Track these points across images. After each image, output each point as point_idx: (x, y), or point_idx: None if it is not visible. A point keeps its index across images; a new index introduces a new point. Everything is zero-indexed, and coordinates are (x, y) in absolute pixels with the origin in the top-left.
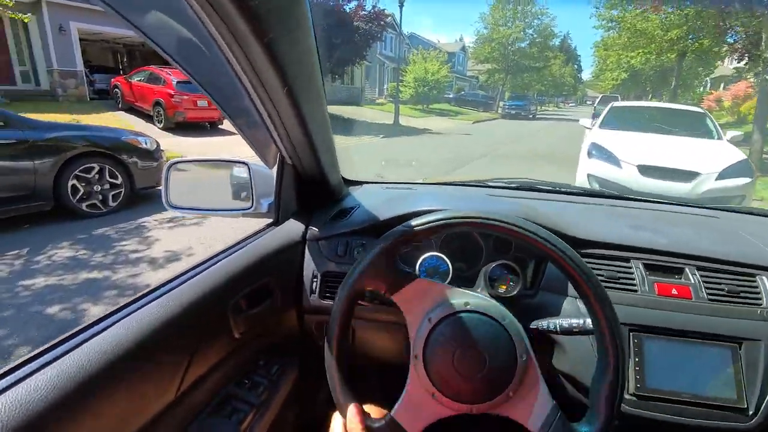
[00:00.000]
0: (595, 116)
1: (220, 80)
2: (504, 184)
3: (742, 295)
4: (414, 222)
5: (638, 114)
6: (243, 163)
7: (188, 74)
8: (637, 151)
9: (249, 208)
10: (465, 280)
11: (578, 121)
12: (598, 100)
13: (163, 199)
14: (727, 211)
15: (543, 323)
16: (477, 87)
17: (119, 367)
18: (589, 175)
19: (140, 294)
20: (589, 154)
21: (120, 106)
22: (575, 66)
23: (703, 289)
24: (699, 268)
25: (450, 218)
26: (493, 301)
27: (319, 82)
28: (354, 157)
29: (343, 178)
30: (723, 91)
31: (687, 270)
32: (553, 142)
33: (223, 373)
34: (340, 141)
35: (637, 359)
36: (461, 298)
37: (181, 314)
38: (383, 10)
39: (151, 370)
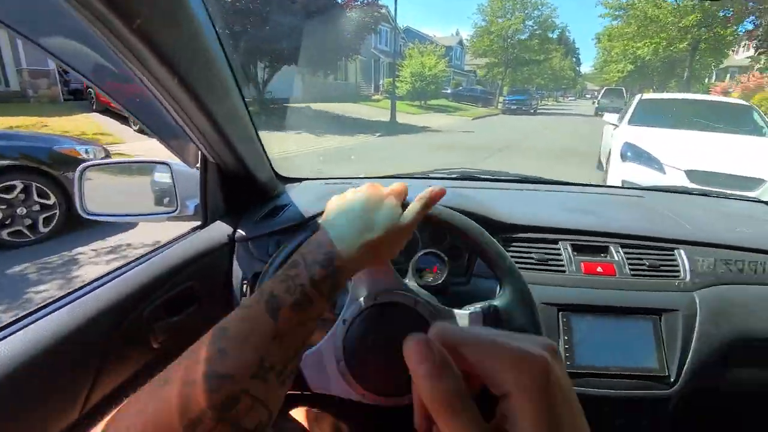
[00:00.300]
0: (599, 110)
1: (117, 78)
2: (444, 175)
3: (661, 268)
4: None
5: (673, 108)
6: (164, 163)
7: (76, 71)
8: (682, 153)
9: (173, 212)
10: (401, 273)
11: (580, 115)
12: (601, 93)
13: (78, 206)
14: (652, 190)
15: (470, 308)
16: (475, 82)
17: (9, 385)
18: (624, 182)
19: (41, 305)
20: (624, 157)
21: (94, 107)
22: (574, 59)
23: (627, 266)
24: (623, 246)
25: None
26: (404, 289)
27: (222, 72)
28: (346, 158)
29: (279, 175)
30: (731, 82)
31: (611, 248)
32: (562, 139)
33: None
34: (332, 141)
35: (566, 338)
36: (412, 295)
37: (88, 325)
38: (377, 0)
39: (50, 387)
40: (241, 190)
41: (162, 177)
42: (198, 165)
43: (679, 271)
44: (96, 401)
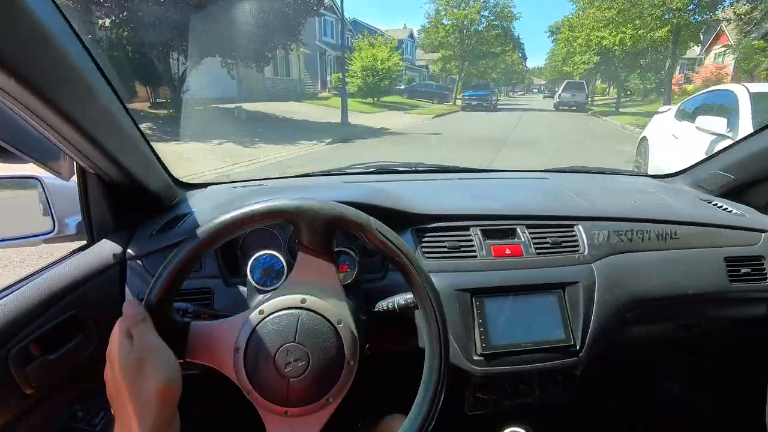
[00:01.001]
0: (560, 105)
1: None
2: (362, 170)
3: (563, 245)
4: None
5: None
6: (33, 177)
7: None
8: None
9: (50, 232)
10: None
11: (540, 110)
12: (562, 86)
13: None
14: (557, 172)
15: (383, 303)
16: (428, 77)
17: None
18: None
19: None
20: None
21: None
22: (520, 53)
23: (532, 245)
24: (528, 227)
25: (227, 221)
26: (331, 300)
27: (80, 70)
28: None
29: (178, 181)
30: (689, 72)
31: (518, 230)
32: (548, 138)
33: None
34: (268, 151)
35: (480, 321)
36: (297, 293)
37: None
38: None
39: None
40: (131, 201)
41: (32, 190)
42: (74, 177)
43: (578, 245)
44: None
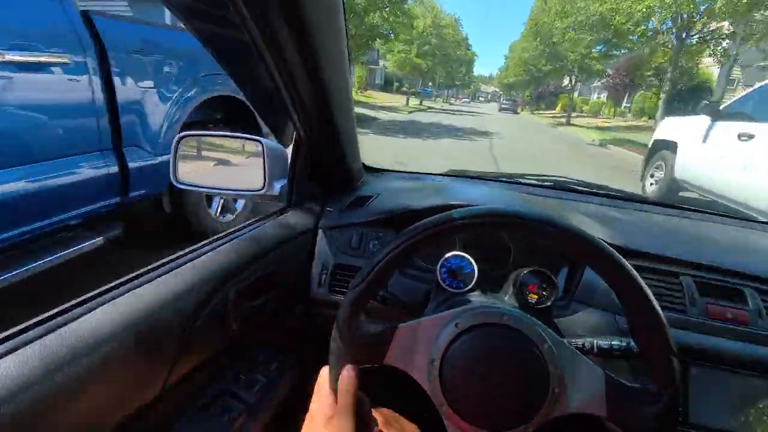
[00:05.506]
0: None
1: (231, 45)
2: (536, 182)
3: None
4: (444, 215)
5: None
6: (256, 140)
7: (194, 32)
8: None
9: (260, 190)
10: (491, 284)
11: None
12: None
13: (171, 174)
14: None
15: (578, 342)
16: None
17: (97, 356)
18: None
19: (132, 275)
20: None
21: None
22: (468, 50)
23: (765, 316)
24: (760, 291)
25: (491, 212)
26: (534, 320)
27: (343, 46)
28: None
29: (363, 164)
30: None
31: (746, 292)
32: None
33: (217, 367)
34: None
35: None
36: (496, 308)
37: (173, 303)
38: None
39: (136, 361)
40: (329, 175)
41: (253, 151)
42: (290, 146)
43: None
44: (177, 378)
